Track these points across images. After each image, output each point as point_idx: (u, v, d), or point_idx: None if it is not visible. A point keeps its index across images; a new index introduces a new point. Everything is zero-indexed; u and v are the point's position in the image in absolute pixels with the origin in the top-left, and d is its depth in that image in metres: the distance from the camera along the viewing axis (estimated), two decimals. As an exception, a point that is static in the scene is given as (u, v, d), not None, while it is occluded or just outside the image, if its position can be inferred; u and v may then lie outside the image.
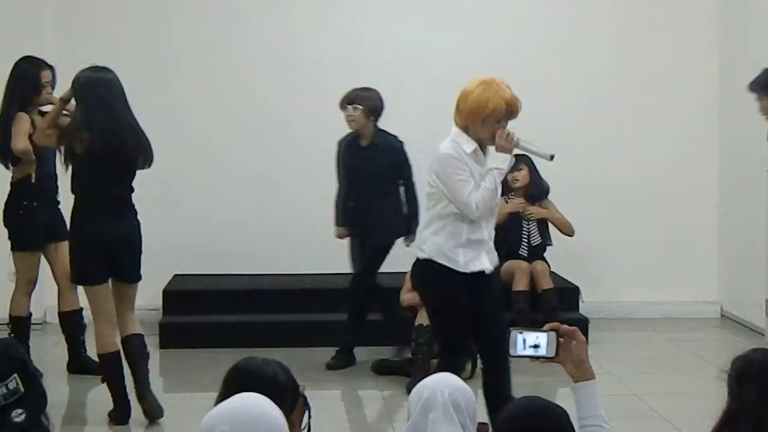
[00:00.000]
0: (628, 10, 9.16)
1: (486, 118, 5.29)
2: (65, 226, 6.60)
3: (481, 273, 5.43)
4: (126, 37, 8.85)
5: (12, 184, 7.01)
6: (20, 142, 6.79)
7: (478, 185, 5.32)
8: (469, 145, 5.35)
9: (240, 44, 8.94)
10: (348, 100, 7.43)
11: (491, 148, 5.42)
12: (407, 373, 7.08)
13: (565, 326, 3.30)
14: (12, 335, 7.03)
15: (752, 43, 8.73)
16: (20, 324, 7.13)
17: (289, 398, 3.20)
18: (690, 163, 9.22)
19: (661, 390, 7.01)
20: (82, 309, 7.16)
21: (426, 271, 5.47)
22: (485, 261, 5.46)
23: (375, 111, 7.44)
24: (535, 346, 3.28)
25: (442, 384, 3.48)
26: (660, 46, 9.16)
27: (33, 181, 6.94)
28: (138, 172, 6.25)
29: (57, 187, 7.06)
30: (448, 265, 5.38)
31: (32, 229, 6.96)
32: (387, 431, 6.31)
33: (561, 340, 3.28)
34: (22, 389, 3.18)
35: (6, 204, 7.06)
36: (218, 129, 8.97)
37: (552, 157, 5.40)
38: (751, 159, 8.56)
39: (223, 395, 2.98)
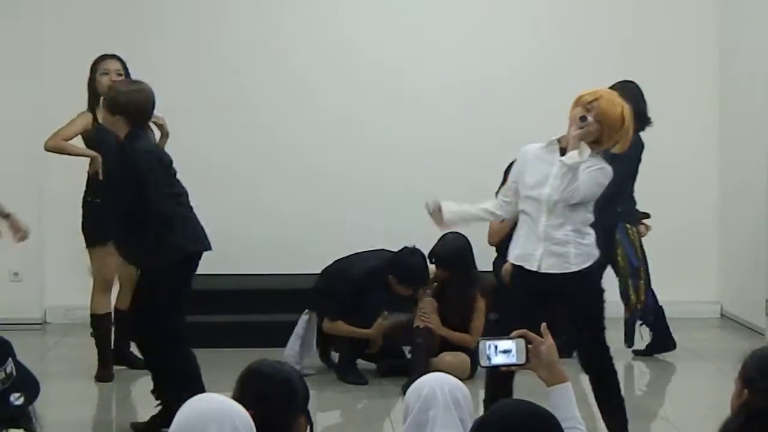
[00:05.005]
0: (626, 10, 9.15)
1: None
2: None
3: None
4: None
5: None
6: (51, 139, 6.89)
7: None
8: None
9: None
10: None
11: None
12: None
13: (533, 334, 3.26)
14: (92, 333, 7.06)
15: (752, 43, 8.72)
16: (95, 322, 7.06)
17: (302, 400, 3.27)
18: (690, 163, 9.21)
19: (662, 390, 7.01)
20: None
21: None
22: None
23: None
24: (506, 351, 3.24)
25: (441, 381, 3.50)
26: (659, 46, 9.15)
27: (100, 178, 6.83)
28: None
29: None
30: None
31: (95, 225, 6.89)
32: (387, 431, 6.31)
33: (530, 346, 3.24)
34: (15, 373, 3.21)
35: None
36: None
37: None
38: (751, 159, 8.56)
39: (239, 397, 3.06)
